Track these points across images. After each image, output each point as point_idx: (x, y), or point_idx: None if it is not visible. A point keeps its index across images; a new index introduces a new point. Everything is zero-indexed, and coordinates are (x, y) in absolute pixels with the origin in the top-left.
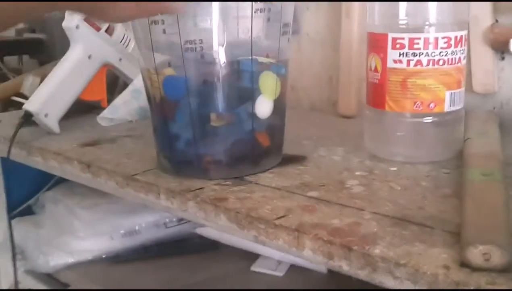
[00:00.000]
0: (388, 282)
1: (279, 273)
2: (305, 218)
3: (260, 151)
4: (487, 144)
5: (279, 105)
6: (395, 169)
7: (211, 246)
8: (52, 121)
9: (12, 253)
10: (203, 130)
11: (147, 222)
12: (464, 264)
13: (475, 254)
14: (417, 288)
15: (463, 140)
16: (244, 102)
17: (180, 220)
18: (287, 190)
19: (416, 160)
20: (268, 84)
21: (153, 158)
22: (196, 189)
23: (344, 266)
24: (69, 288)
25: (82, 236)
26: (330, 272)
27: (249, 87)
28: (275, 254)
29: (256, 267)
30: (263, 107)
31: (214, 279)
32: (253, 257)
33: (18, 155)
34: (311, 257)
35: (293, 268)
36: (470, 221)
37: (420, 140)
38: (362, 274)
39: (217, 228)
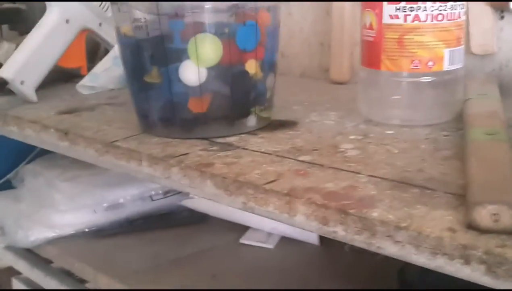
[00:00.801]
0: (388, 248)
1: (269, 246)
2: (297, 182)
3: (190, 116)
4: (488, 105)
5: (225, 72)
6: (391, 132)
7: (198, 219)
8: (28, 89)
9: None
10: (140, 86)
11: (132, 195)
12: (471, 226)
13: (483, 215)
14: (419, 252)
15: (463, 102)
16: (171, 63)
17: (166, 193)
18: (277, 155)
19: (413, 123)
20: (202, 49)
21: (135, 125)
22: (180, 155)
23: (340, 232)
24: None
25: (63, 210)
26: (323, 244)
27: (174, 48)
28: (265, 226)
29: (245, 240)
30: (189, 73)
31: (202, 253)
32: (242, 229)
33: None
34: (304, 223)
35: (284, 240)
36: (476, 181)
37: (417, 102)
38: (360, 240)
39: (203, 196)
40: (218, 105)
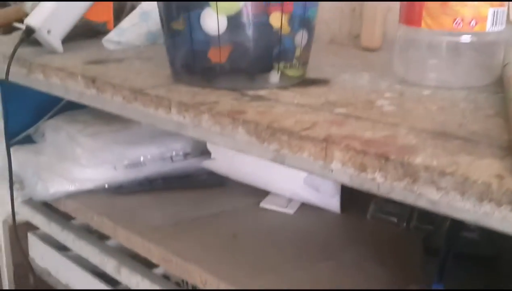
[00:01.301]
0: (430, 194)
1: (290, 211)
2: (334, 130)
3: (209, 65)
4: None
5: (246, 23)
6: (428, 92)
7: (218, 182)
8: (55, 39)
9: (10, 182)
10: (169, 33)
11: (152, 154)
12: None
13: None
14: (465, 199)
15: (502, 66)
16: (194, 10)
17: (187, 155)
18: (311, 107)
19: (451, 85)
20: None
21: (164, 75)
22: (211, 102)
23: (378, 178)
24: (72, 221)
25: (84, 164)
26: (344, 211)
27: None
28: (285, 190)
29: (265, 204)
30: (210, 21)
31: (222, 214)
32: (263, 194)
33: (18, 74)
34: (340, 171)
35: (305, 207)
36: None
37: (456, 63)
38: (400, 186)
39: (233, 144)
40: (238, 57)
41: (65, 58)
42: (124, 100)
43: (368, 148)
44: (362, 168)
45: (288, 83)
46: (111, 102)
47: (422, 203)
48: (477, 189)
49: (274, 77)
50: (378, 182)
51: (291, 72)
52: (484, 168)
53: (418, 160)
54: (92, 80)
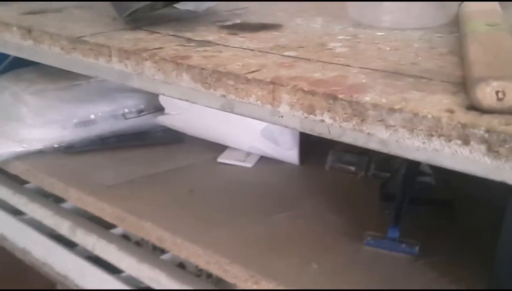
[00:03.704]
0: (379, 133)
1: (248, 164)
2: (282, 72)
3: None
4: (486, 5)
5: None
6: (382, 33)
7: (174, 139)
8: None
9: None
10: None
11: (103, 112)
12: (472, 107)
13: (487, 93)
14: (414, 136)
15: (458, 5)
16: None
17: (140, 112)
18: (259, 50)
19: (405, 26)
20: None
21: (104, 23)
22: (154, 48)
23: (327, 120)
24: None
25: (30, 124)
26: (303, 163)
27: None
28: (242, 144)
29: (223, 159)
30: None
31: (178, 171)
32: (220, 149)
33: None
34: (289, 115)
35: (263, 160)
36: (479, 62)
37: (410, 4)
38: (349, 127)
39: (179, 93)
40: None
41: (1, 10)
42: (62, 50)
43: (317, 88)
44: (311, 110)
45: None
46: (49, 54)
47: (373, 145)
48: (426, 124)
49: None
50: (327, 124)
51: None
52: (435, 103)
53: (367, 98)
54: (28, 31)
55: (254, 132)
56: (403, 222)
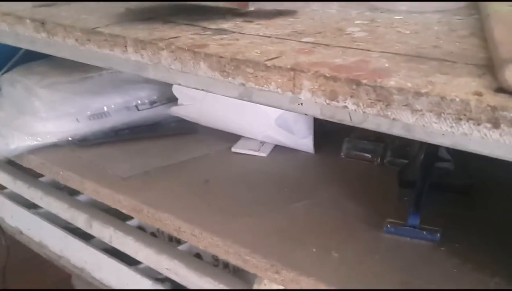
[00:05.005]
0: (405, 118)
1: (263, 154)
2: (302, 59)
3: None
4: None
5: None
6: (400, 17)
7: (188, 130)
8: None
9: None
10: None
11: (116, 103)
12: (501, 89)
13: None
14: (441, 120)
15: None
16: None
17: (153, 103)
18: (277, 37)
19: (423, 9)
20: None
21: (119, 14)
22: (170, 38)
23: (350, 106)
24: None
25: (44, 117)
26: (318, 152)
27: None
28: (257, 133)
29: (237, 148)
30: None
31: (193, 161)
32: (234, 139)
33: None
34: (310, 102)
35: (278, 149)
36: (505, 41)
37: None
38: (372, 112)
39: (196, 83)
40: None
41: (13, 3)
42: (76, 42)
43: (339, 73)
44: (333, 96)
45: None
46: (63, 46)
47: (396, 130)
48: (455, 108)
49: None
50: (350, 110)
51: None
52: (461, 86)
53: (391, 82)
54: (42, 23)
55: (268, 121)
56: (422, 208)
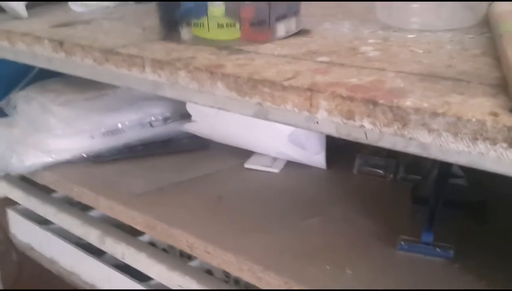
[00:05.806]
0: (422, 137)
1: (275, 170)
2: (318, 79)
3: None
4: None
5: None
6: (413, 36)
7: (200, 146)
8: (18, 4)
9: None
10: None
11: (130, 120)
12: None
13: None
14: (458, 140)
15: (488, 5)
16: None
17: (166, 119)
18: (292, 57)
19: (435, 28)
20: None
21: (135, 34)
22: (187, 58)
23: (367, 125)
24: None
25: (59, 134)
26: (330, 167)
27: None
28: (269, 149)
29: (250, 164)
30: None
31: (206, 178)
32: (246, 155)
33: None
34: (326, 121)
35: (290, 164)
36: None
37: (440, 5)
38: (389, 132)
39: (213, 102)
40: None
41: (30, 23)
42: (95, 62)
43: (355, 93)
44: (350, 115)
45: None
46: (81, 66)
47: (412, 149)
48: (471, 128)
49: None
50: (366, 130)
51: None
52: (477, 106)
53: (408, 103)
54: (60, 43)
55: (280, 138)
56: (436, 225)
